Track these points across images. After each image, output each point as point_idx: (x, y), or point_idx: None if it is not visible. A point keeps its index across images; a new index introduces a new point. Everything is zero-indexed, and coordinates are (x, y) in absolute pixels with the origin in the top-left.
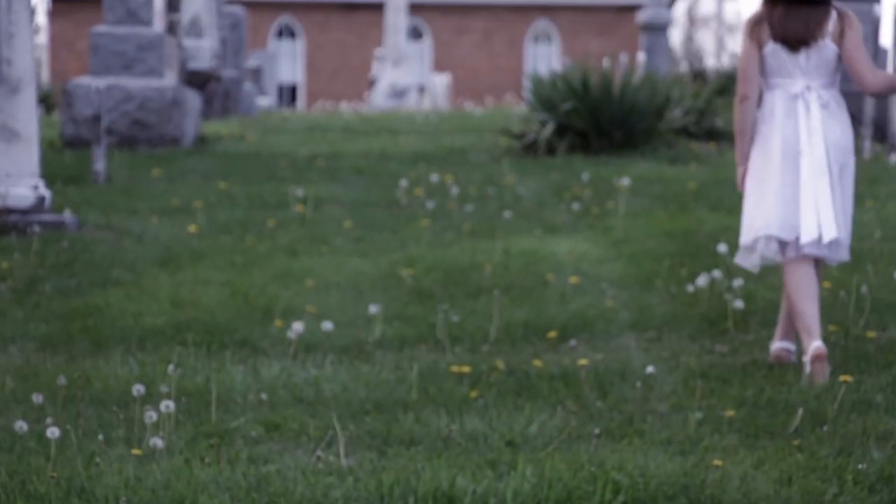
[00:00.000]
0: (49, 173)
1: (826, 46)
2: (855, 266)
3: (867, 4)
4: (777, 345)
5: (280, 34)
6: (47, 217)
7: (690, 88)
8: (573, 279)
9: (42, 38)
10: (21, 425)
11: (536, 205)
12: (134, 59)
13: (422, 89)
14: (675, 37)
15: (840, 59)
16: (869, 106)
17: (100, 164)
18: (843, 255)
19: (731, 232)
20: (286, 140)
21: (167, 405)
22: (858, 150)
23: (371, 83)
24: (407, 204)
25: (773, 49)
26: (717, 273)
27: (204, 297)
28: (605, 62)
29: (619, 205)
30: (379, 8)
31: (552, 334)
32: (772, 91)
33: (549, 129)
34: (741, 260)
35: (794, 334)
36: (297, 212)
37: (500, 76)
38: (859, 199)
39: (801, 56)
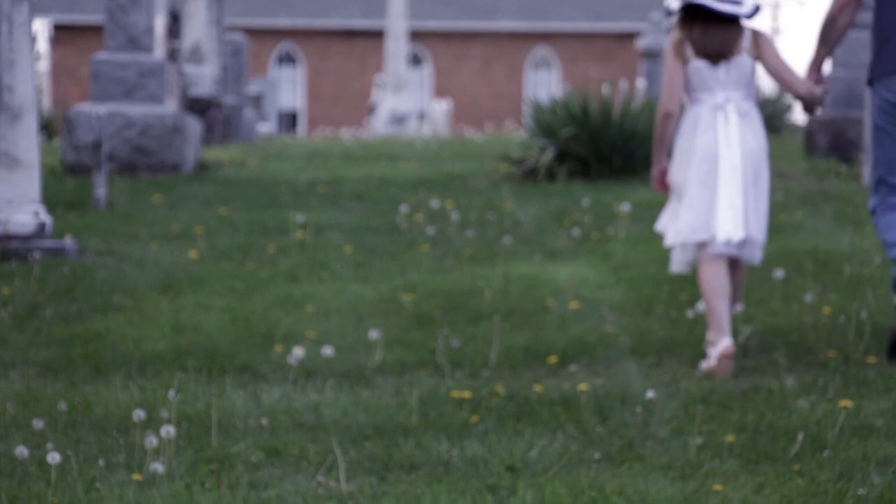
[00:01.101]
0: (50, 199)
1: (743, 61)
2: (855, 291)
3: (867, 32)
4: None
5: (281, 61)
6: (48, 243)
7: None
8: (573, 304)
9: (43, 65)
10: (22, 451)
11: (536, 230)
12: (135, 86)
13: (422, 116)
14: None
15: (754, 72)
16: (868, 132)
17: (101, 191)
18: (756, 255)
19: None
20: (287, 166)
21: (168, 430)
22: (857, 176)
23: (371, 109)
24: (407, 229)
25: (695, 66)
26: None
27: (204, 322)
28: (605, 88)
29: (619, 230)
30: (379, 35)
31: (552, 359)
32: (696, 104)
33: (549, 155)
34: (674, 266)
35: (729, 327)
36: (298, 237)
37: (499, 102)
38: (859, 224)
39: (721, 70)
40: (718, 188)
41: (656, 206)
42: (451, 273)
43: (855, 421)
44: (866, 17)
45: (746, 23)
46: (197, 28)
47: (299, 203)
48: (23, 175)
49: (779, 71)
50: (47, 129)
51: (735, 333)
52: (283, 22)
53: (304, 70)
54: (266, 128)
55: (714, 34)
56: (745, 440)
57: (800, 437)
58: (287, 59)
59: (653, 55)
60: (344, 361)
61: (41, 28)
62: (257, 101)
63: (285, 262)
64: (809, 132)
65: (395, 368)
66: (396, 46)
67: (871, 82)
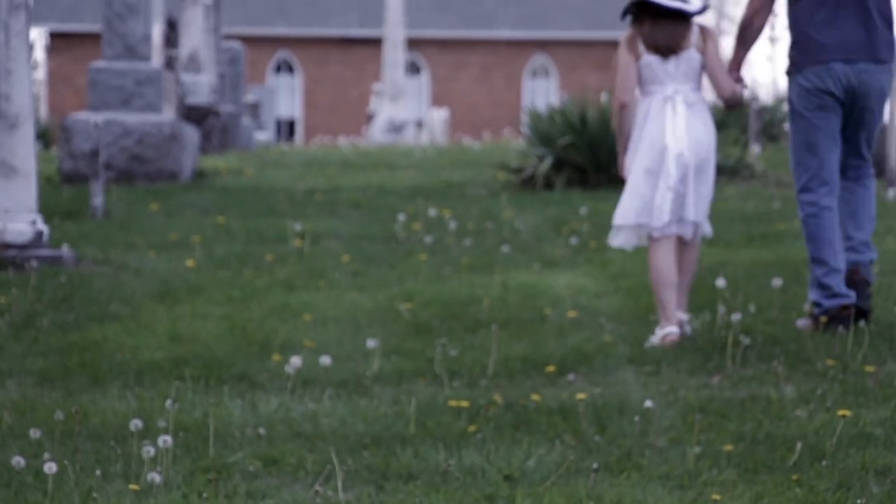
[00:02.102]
0: (47, 208)
1: (691, 55)
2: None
3: None
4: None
5: (278, 69)
6: (45, 252)
7: None
8: (571, 313)
9: (40, 74)
10: (18, 461)
11: (534, 239)
12: (132, 94)
13: (420, 124)
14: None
15: (702, 66)
16: None
17: (98, 199)
18: (706, 230)
19: (730, 266)
20: (284, 174)
21: (165, 440)
22: None
23: (369, 118)
24: (405, 238)
25: (647, 60)
26: (715, 307)
27: (202, 331)
28: (603, 97)
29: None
30: (377, 43)
31: (550, 368)
32: (647, 96)
33: (547, 163)
34: (612, 240)
35: (685, 305)
36: (295, 246)
37: (498, 111)
38: None
39: (671, 64)
40: (662, 175)
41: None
42: (449, 282)
43: (853, 430)
44: None
45: (695, 19)
46: (194, 36)
47: (297, 211)
48: (20, 184)
49: (713, 69)
50: (44, 137)
51: (734, 343)
52: (280, 30)
53: (301, 78)
54: (264, 136)
55: (663, 29)
56: (743, 449)
57: (798, 446)
58: (284, 67)
59: None
60: (342, 370)
61: (38, 36)
62: (255, 109)
63: (283, 271)
64: None
65: (393, 377)
66: (394, 55)
67: (789, 73)
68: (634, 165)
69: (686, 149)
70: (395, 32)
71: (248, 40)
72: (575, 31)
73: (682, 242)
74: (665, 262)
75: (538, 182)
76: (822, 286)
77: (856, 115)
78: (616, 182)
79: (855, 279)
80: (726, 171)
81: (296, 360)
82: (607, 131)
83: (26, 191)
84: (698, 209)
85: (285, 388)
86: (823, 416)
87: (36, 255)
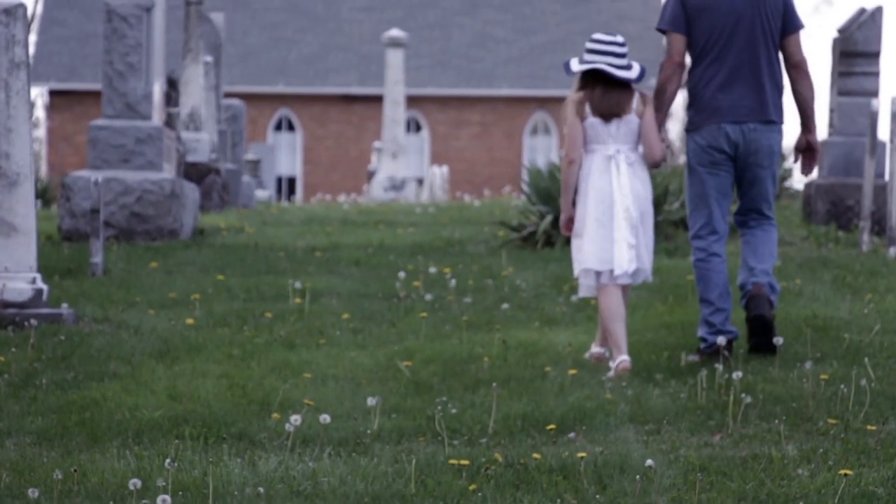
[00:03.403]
0: (47, 266)
1: (631, 119)
2: (854, 359)
3: (865, 98)
4: (595, 349)
5: (279, 126)
6: (44, 310)
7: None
8: (572, 371)
9: (40, 132)
10: None
11: (535, 296)
12: (132, 153)
13: (420, 181)
14: (673, 130)
15: (640, 129)
16: (867, 199)
17: (97, 257)
18: (647, 277)
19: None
20: (284, 232)
21: (164, 499)
22: (857, 243)
23: (369, 175)
24: (405, 296)
25: (591, 122)
26: (716, 366)
27: (201, 389)
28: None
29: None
30: (377, 100)
31: (551, 427)
32: (591, 154)
33: (548, 220)
34: (580, 293)
35: (626, 345)
36: (295, 304)
37: (498, 168)
38: (858, 291)
39: (613, 126)
40: (615, 228)
41: (654, 273)
42: (449, 340)
43: (855, 490)
44: (863, 83)
45: (635, 86)
46: (194, 94)
47: (297, 269)
48: (19, 242)
49: (647, 132)
50: (44, 195)
51: (735, 401)
52: (280, 88)
53: (301, 136)
54: (264, 194)
55: (611, 97)
56: None
57: None
58: (285, 124)
59: None
60: (341, 429)
61: (38, 95)
62: (255, 166)
63: (283, 329)
64: (808, 198)
65: (393, 436)
66: (394, 112)
67: (688, 131)
68: (587, 219)
69: (630, 203)
70: (395, 90)
71: (249, 98)
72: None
73: (622, 287)
74: (616, 302)
75: (539, 239)
76: (708, 323)
77: (748, 171)
78: None
79: (756, 294)
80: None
81: (295, 419)
82: None
83: (26, 249)
84: (648, 258)
85: (285, 447)
86: (825, 476)
87: (35, 313)
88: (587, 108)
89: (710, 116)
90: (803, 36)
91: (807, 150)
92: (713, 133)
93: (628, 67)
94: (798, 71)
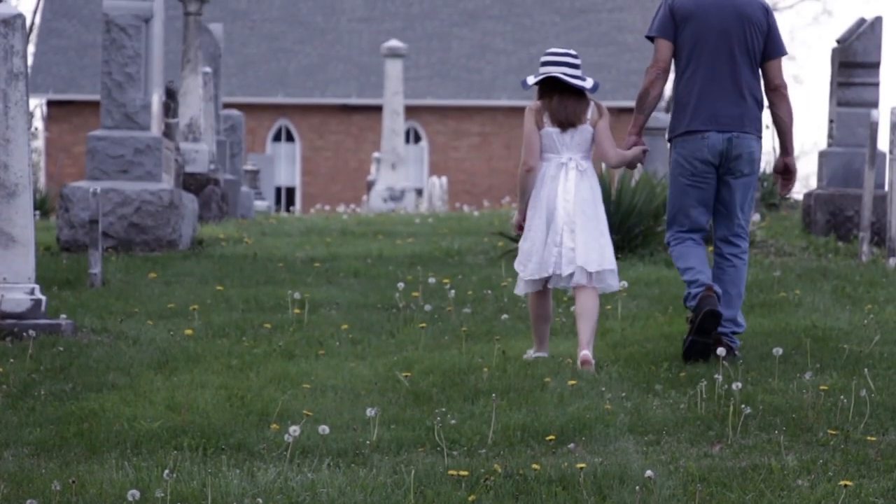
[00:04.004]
0: (45, 277)
1: (585, 129)
2: (854, 370)
3: (865, 109)
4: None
5: (278, 137)
6: (43, 321)
7: None
8: (571, 382)
9: (39, 143)
10: None
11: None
12: (131, 163)
13: (419, 192)
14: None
15: (594, 138)
16: (867, 210)
17: (96, 268)
18: (612, 284)
19: (731, 335)
20: (283, 243)
21: None
22: (856, 254)
23: (369, 186)
24: (404, 306)
25: (548, 131)
26: (716, 376)
27: (200, 400)
28: (603, 167)
29: (616, 308)
30: (376, 110)
31: (550, 437)
32: (545, 162)
33: None
34: (517, 290)
35: (591, 346)
36: (294, 314)
37: (497, 179)
38: (858, 302)
39: (567, 135)
40: (549, 232)
41: (654, 284)
42: (448, 350)
43: (855, 500)
44: (863, 94)
45: (590, 96)
46: (193, 105)
47: (296, 280)
48: (18, 253)
49: (602, 140)
50: (42, 206)
51: (734, 412)
52: (279, 98)
53: (300, 146)
54: (263, 204)
55: (567, 105)
56: None
57: None
58: (284, 135)
59: (651, 132)
60: (340, 440)
61: (37, 105)
62: (254, 177)
63: (281, 340)
64: (807, 209)
65: (392, 447)
66: (394, 123)
67: (671, 139)
68: (533, 223)
69: (571, 208)
70: (394, 101)
71: (248, 108)
72: None
73: (582, 290)
74: (542, 304)
75: None
76: (689, 283)
77: (728, 180)
78: (616, 250)
79: (718, 343)
80: None
81: (294, 429)
82: (607, 200)
83: (24, 260)
84: (589, 258)
85: (284, 458)
86: (825, 487)
87: (34, 324)
88: (545, 118)
89: (694, 124)
90: (785, 62)
91: (784, 171)
92: (696, 142)
93: (583, 79)
94: (777, 94)
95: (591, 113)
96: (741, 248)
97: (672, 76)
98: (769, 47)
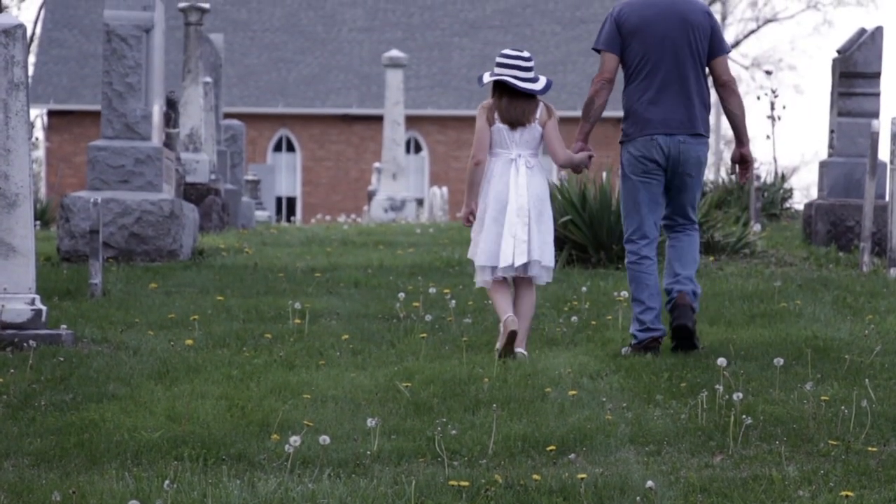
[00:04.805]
0: (45, 287)
1: (534, 127)
2: (855, 380)
3: (865, 119)
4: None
5: (279, 147)
6: (43, 332)
7: None
8: (572, 392)
9: (39, 153)
10: None
11: (535, 317)
12: (131, 173)
13: (420, 202)
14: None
15: (542, 136)
16: (868, 220)
17: (96, 278)
18: (544, 277)
19: (731, 345)
20: (284, 253)
21: None
22: (857, 264)
23: (369, 196)
24: (405, 316)
25: (498, 128)
26: (717, 387)
27: (200, 410)
28: (604, 175)
29: (618, 318)
30: (377, 120)
31: (551, 448)
32: (495, 157)
33: None
34: (476, 279)
35: (525, 343)
36: (295, 325)
37: None
38: (858, 312)
39: (517, 133)
40: (506, 224)
41: None
42: (448, 360)
43: None
44: (864, 104)
45: (540, 97)
46: (194, 115)
47: (296, 290)
48: (18, 263)
49: (551, 140)
50: (43, 216)
51: (735, 422)
52: (280, 108)
53: (301, 156)
54: (264, 214)
55: (516, 106)
56: None
57: None
58: (285, 145)
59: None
60: (341, 450)
61: (37, 115)
62: (255, 187)
63: (282, 350)
64: (808, 219)
65: (393, 457)
66: (394, 133)
67: (622, 142)
68: (485, 217)
69: (525, 202)
70: (394, 111)
71: (249, 118)
72: (575, 110)
73: (524, 282)
74: (503, 296)
75: None
76: (639, 321)
77: (677, 179)
78: (616, 260)
79: (680, 303)
80: (727, 250)
81: (295, 440)
82: (608, 209)
83: (25, 270)
84: (543, 251)
85: (284, 468)
86: (826, 497)
87: (34, 334)
88: (495, 115)
89: (643, 129)
90: (729, 59)
91: (742, 161)
92: (646, 144)
93: (534, 80)
94: (726, 90)
95: (539, 113)
96: (692, 227)
97: (621, 84)
98: (713, 47)
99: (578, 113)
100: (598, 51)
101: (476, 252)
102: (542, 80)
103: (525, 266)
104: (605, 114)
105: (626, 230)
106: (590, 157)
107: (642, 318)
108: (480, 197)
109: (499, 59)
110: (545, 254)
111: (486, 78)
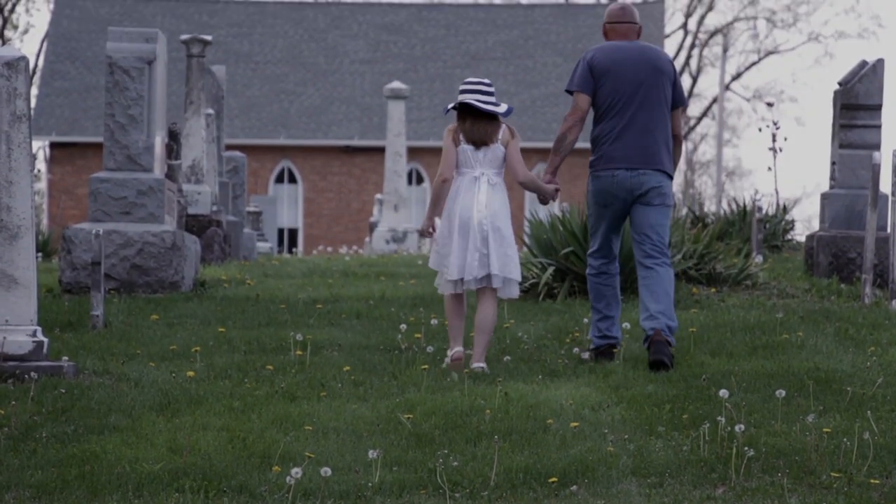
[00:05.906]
0: (47, 319)
1: (497, 147)
2: (857, 412)
3: (867, 151)
4: (454, 350)
5: (280, 178)
6: (45, 363)
7: (690, 233)
8: (574, 424)
9: (41, 184)
10: None
11: (536, 349)
12: (133, 205)
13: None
14: (675, 182)
15: (505, 157)
16: (869, 252)
17: (98, 310)
18: (513, 292)
19: (733, 376)
20: (285, 284)
21: None
22: (859, 296)
23: (371, 227)
24: (406, 348)
25: (463, 148)
26: (719, 418)
27: (202, 442)
28: None
29: (619, 349)
30: (378, 151)
31: (553, 479)
32: (461, 176)
33: (549, 273)
34: (440, 289)
35: (483, 356)
36: (296, 356)
37: None
38: (860, 344)
39: (480, 153)
40: (469, 240)
41: None
42: (450, 392)
43: None
44: (865, 136)
45: (502, 119)
46: (196, 147)
47: (298, 321)
48: (20, 295)
49: (513, 161)
50: (45, 248)
51: (737, 454)
52: (282, 140)
53: (303, 188)
54: (265, 246)
55: (479, 127)
56: None
57: None
58: (287, 176)
59: None
60: (342, 482)
61: (40, 147)
62: (257, 218)
63: (283, 381)
64: (810, 251)
65: (395, 489)
66: (396, 165)
67: (590, 169)
68: (451, 232)
69: (485, 218)
70: (396, 142)
71: (251, 150)
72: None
73: (485, 295)
74: (456, 304)
75: (540, 291)
76: (597, 328)
77: (640, 208)
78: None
79: (656, 340)
80: (729, 281)
81: (296, 472)
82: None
83: (27, 302)
84: (502, 263)
85: (286, 500)
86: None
87: (35, 366)
88: (461, 136)
89: (607, 164)
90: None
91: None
92: (608, 179)
93: (496, 105)
94: (675, 141)
95: (502, 134)
96: (661, 260)
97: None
98: (675, 98)
99: (583, 145)
100: (570, 92)
101: (442, 263)
102: (504, 105)
103: (487, 277)
104: (576, 145)
105: (592, 245)
106: (556, 189)
107: (599, 325)
108: (445, 211)
109: (462, 87)
110: (507, 266)
111: (450, 106)
